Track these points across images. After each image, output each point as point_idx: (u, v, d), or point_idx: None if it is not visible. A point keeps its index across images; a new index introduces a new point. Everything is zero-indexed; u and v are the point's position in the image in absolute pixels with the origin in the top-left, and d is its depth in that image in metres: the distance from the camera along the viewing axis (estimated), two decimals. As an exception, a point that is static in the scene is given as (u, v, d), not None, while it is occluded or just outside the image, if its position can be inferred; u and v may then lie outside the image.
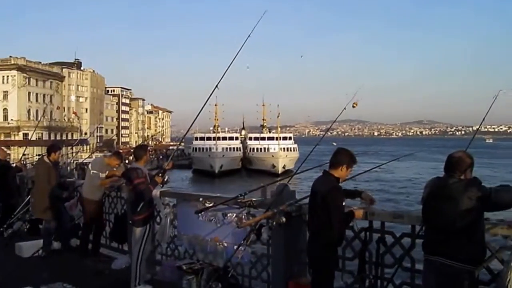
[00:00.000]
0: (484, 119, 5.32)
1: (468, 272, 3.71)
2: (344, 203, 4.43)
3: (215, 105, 76.22)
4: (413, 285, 4.54)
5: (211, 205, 5.83)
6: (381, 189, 40.17)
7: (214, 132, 73.51)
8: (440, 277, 3.75)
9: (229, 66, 6.03)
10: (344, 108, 5.88)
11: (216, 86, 5.93)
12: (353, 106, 6.47)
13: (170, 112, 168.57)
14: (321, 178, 4.55)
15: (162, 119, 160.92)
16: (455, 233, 3.67)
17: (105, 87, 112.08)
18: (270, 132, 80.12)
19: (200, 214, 5.93)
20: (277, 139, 71.18)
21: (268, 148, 69.58)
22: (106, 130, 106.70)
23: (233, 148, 71.77)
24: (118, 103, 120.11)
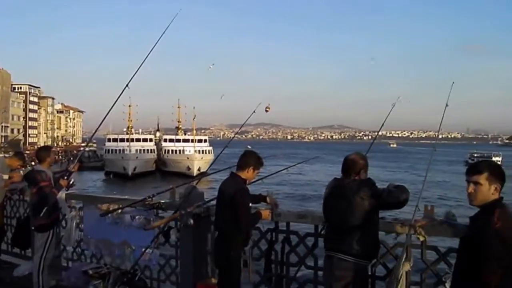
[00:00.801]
0: (383, 124, 5.62)
1: (362, 267, 3.94)
2: (251, 204, 4.53)
3: (129, 106, 74.57)
4: (316, 282, 4.72)
5: (117, 207, 5.74)
6: (290, 190, 40.97)
7: (127, 134, 71.91)
8: (337, 271, 3.92)
9: (140, 66, 5.94)
10: (254, 112, 5.98)
11: (127, 85, 5.81)
12: (266, 110, 6.59)
13: (82, 112, 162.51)
14: (228, 180, 4.61)
15: (73, 119, 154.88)
16: (350, 230, 3.86)
17: (11, 84, 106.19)
18: (185, 134, 79.50)
19: (107, 217, 5.82)
20: (192, 141, 70.74)
21: (183, 150, 68.97)
22: (12, 130, 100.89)
23: (147, 150, 70.45)
24: (25, 101, 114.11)
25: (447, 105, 4.84)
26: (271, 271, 4.96)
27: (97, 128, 7.44)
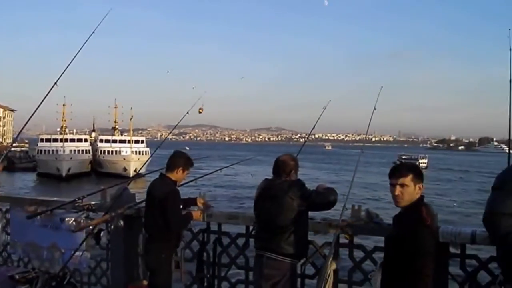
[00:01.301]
0: (314, 127, 5.78)
1: (291, 266, 4.02)
2: (181, 206, 4.53)
3: (63, 105, 72.14)
4: (248, 282, 4.78)
5: (45, 209, 5.57)
6: (227, 191, 40.95)
7: (61, 134, 69.54)
8: (267, 270, 3.99)
9: (69, 64, 5.79)
10: (187, 113, 5.98)
11: (55, 83, 5.66)
12: (199, 112, 6.60)
13: (13, 110, 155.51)
14: (157, 181, 4.59)
15: (4, 118, 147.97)
16: (279, 230, 3.94)
17: None
18: (122, 135, 77.79)
19: (35, 219, 5.63)
20: (129, 142, 69.35)
21: (119, 151, 67.53)
22: None
23: (82, 150, 68.32)
24: None
25: (375, 108, 5.03)
26: (203, 271, 4.97)
27: (23, 126, 7.20)
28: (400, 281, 3.01)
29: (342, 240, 4.33)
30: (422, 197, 3.19)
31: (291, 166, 4.09)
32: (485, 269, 4.28)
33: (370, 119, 5.02)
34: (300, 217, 3.99)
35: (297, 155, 4.60)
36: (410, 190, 3.11)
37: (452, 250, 4.51)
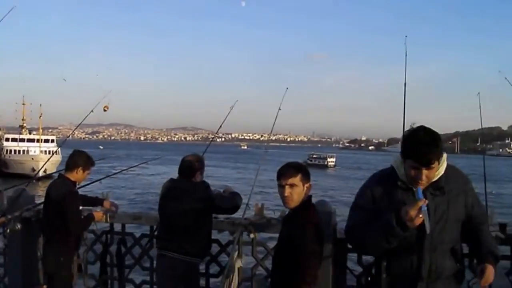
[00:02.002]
0: (221, 126, 5.80)
1: (193, 265, 4.05)
2: (81, 207, 4.40)
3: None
4: (152, 282, 4.74)
5: None
6: (133, 191, 40.11)
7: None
8: (169, 270, 3.98)
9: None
10: (92, 111, 5.79)
11: None
12: (104, 110, 6.43)
13: None
14: (56, 182, 4.44)
15: None
16: (181, 230, 3.95)
17: None
18: (30, 133, 74.03)
19: None
20: (38, 141, 66.11)
21: (27, 151, 64.14)
22: None
23: (-18, 150, 64.47)
24: None
25: (279, 109, 5.14)
26: (107, 274, 4.87)
27: None
28: (286, 281, 2.97)
29: (246, 238, 4.40)
30: (310, 197, 3.14)
31: (196, 167, 4.09)
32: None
33: (275, 119, 5.13)
34: (203, 218, 4.02)
35: (203, 154, 4.61)
36: (299, 190, 3.04)
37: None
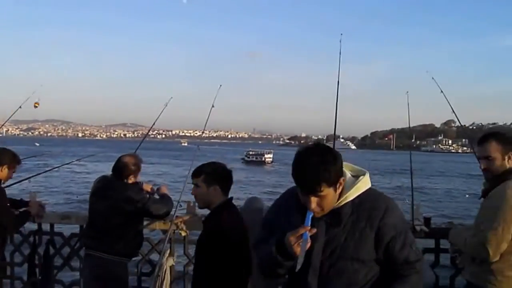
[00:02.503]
0: (154, 123, 5.75)
1: (121, 264, 3.99)
2: (8, 204, 4.24)
3: None
4: (82, 283, 4.65)
5: None
6: (70, 189, 39.05)
7: None
8: (96, 269, 3.92)
9: None
10: (20, 107, 5.59)
11: None
12: (35, 106, 6.23)
13: None
14: None
15: None
16: (110, 230, 3.89)
17: None
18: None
19: None
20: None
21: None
22: None
23: None
24: None
25: (213, 106, 5.16)
26: (36, 275, 4.73)
27: None
28: (202, 283, 2.95)
29: (178, 236, 4.40)
30: (227, 199, 3.02)
31: (131, 169, 4.01)
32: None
33: (208, 117, 5.17)
34: (132, 219, 3.97)
35: (135, 151, 4.57)
36: (202, 191, 2.97)
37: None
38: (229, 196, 3.08)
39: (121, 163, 4.02)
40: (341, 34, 5.43)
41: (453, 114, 5.22)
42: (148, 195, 4.06)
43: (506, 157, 2.96)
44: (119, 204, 3.86)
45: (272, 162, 79.94)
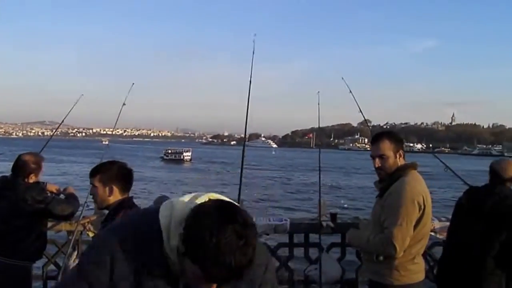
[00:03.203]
0: (63, 121, 5.58)
1: (24, 269, 3.83)
2: None
3: None
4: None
5: None
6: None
7: None
8: None
9: None
10: None
11: None
12: None
13: None
14: None
15: None
16: (8, 232, 3.72)
17: None
18: None
19: None
20: None
21: None
22: None
23: None
24: None
25: (124, 104, 5.10)
26: None
27: None
28: None
29: (86, 237, 4.30)
30: (127, 198, 2.87)
31: (31, 168, 3.84)
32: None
33: (119, 114, 5.15)
34: (34, 220, 3.81)
35: (41, 150, 4.41)
36: (99, 192, 2.82)
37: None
38: (131, 195, 2.95)
39: (21, 161, 3.84)
40: (255, 34, 5.55)
41: (360, 114, 5.42)
42: (52, 195, 3.91)
43: (398, 155, 3.10)
44: (18, 205, 3.68)
45: (191, 160, 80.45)
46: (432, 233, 4.54)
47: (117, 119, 5.20)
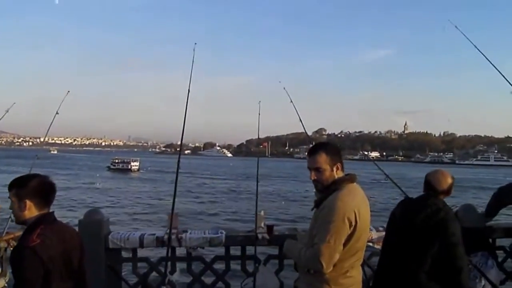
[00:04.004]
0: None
1: None
2: None
3: None
4: None
5: None
6: None
7: None
8: None
9: None
10: None
11: None
12: None
13: None
14: None
15: None
16: None
17: None
18: None
19: None
20: None
21: None
22: None
23: None
24: None
25: (57, 113, 4.92)
26: None
27: None
28: None
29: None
30: (43, 215, 2.71)
31: None
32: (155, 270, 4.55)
33: (51, 123, 4.98)
34: None
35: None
36: (14, 206, 2.69)
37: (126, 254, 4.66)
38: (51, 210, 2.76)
39: None
40: (195, 44, 5.44)
41: (300, 123, 5.44)
42: None
43: (335, 168, 3.03)
44: None
45: (138, 169, 79.81)
46: (370, 244, 4.56)
47: (48, 129, 5.01)
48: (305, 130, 5.67)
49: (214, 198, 39.19)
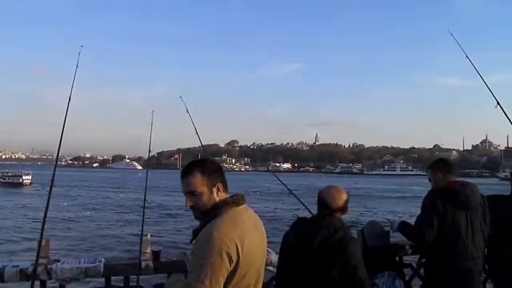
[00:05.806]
0: None
1: None
2: None
3: None
4: None
5: None
6: None
7: None
8: None
9: None
10: None
11: None
12: None
13: None
14: None
15: None
16: None
17: None
18: None
19: None
20: None
21: None
22: None
23: None
24: None
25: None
26: None
27: None
28: None
29: None
30: None
31: None
32: None
33: None
34: None
35: None
36: None
37: None
38: None
39: None
40: (81, 46, 4.94)
41: (196, 135, 5.17)
42: None
43: (214, 190, 2.49)
44: None
45: (31, 183, 76.03)
46: (270, 267, 4.13)
47: None
48: (201, 142, 5.31)
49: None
